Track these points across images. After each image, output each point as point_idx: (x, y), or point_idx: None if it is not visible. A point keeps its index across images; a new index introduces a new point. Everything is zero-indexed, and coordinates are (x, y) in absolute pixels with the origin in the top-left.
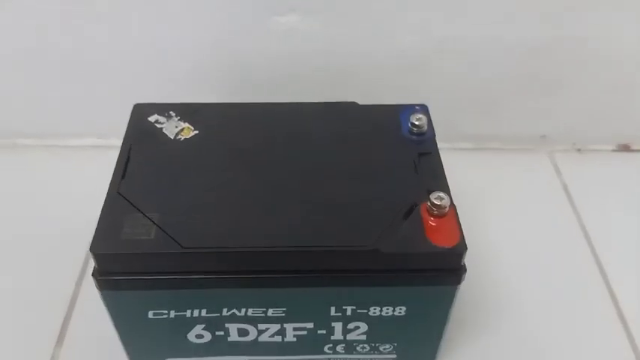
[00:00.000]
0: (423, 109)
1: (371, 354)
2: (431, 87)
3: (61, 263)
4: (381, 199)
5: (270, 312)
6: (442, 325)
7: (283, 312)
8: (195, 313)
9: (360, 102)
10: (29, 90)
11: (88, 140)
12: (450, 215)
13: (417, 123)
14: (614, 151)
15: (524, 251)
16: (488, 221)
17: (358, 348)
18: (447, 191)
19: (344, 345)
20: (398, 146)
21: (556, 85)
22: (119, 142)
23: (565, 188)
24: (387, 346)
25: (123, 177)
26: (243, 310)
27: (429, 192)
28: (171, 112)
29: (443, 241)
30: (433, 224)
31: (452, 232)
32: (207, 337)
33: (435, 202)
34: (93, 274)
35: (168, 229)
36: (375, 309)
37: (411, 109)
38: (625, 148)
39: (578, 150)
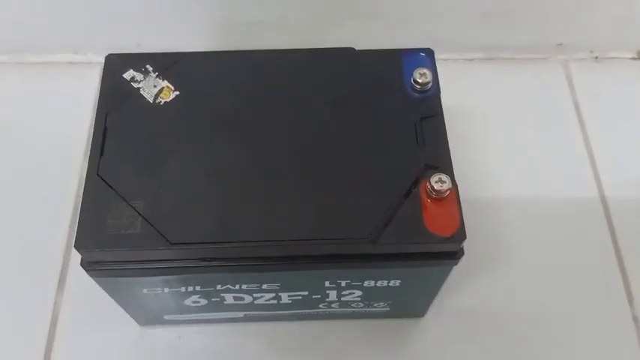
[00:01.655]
0: (429, 55)
1: (365, 309)
2: None
3: (52, 199)
4: (379, 179)
5: (264, 286)
6: (436, 289)
7: (278, 286)
8: (190, 288)
9: (363, 22)
10: None
11: (64, 56)
12: (450, 197)
13: (419, 80)
14: (633, 59)
15: (525, 178)
16: (492, 141)
17: (353, 305)
18: (449, 166)
19: (338, 303)
20: (398, 107)
21: None
22: (97, 58)
23: (576, 105)
24: (382, 303)
25: (101, 154)
26: (237, 286)
27: (430, 168)
28: (148, 67)
29: (441, 228)
30: (432, 208)
31: (451, 218)
32: (204, 302)
33: (435, 187)
34: (81, 264)
35: (154, 221)
36: (369, 282)
37: (415, 56)
38: None
39: (596, 58)
